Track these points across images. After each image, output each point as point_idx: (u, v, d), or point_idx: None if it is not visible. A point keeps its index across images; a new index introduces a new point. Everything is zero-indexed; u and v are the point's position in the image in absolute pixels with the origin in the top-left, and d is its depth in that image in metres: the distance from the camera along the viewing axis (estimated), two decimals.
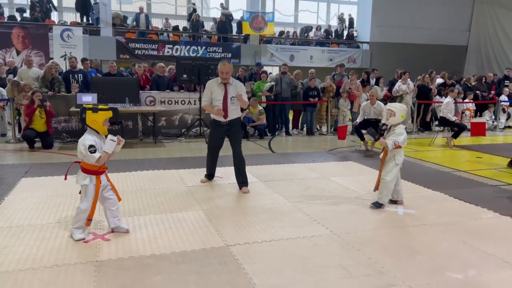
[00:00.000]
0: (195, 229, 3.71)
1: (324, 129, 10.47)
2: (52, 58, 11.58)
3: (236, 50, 16.48)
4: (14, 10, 15.46)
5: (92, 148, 3.26)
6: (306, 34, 18.90)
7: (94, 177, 3.39)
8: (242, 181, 5.06)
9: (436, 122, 11.40)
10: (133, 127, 8.71)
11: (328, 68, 16.26)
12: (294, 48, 17.78)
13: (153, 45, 15.29)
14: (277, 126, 10.17)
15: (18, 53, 12.22)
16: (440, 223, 3.98)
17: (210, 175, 5.39)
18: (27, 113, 7.40)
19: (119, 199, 3.59)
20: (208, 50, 15.86)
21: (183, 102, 9.20)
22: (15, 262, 2.99)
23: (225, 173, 5.67)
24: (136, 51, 15.05)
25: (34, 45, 12.33)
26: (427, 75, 11.13)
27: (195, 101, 9.14)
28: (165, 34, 16.49)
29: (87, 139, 3.32)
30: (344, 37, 19.04)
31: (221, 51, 16.13)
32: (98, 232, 3.59)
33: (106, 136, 3.38)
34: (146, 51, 15.16)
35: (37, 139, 7.57)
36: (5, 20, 14.42)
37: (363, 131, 8.08)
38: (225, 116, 4.92)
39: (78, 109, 7.84)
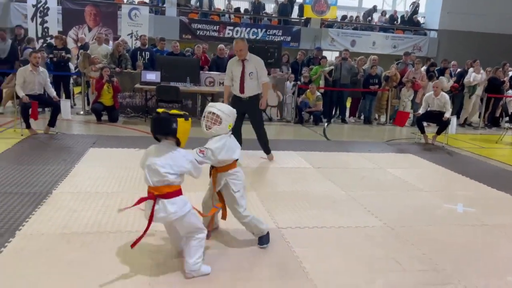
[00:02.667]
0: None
1: (382, 118, 10.16)
2: (120, 36, 12.14)
3: (296, 33, 16.29)
4: None
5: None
6: (369, 18, 18.22)
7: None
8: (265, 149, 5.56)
9: (507, 118, 10.67)
10: (192, 106, 8.96)
11: (392, 55, 15.65)
12: (356, 33, 17.25)
13: (215, 26, 15.52)
14: (333, 112, 10.01)
15: (89, 29, 12.89)
16: (502, 224, 3.78)
17: None
18: (96, 87, 7.88)
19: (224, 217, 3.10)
20: (268, 33, 15.82)
21: None
22: (83, 225, 3.24)
23: (278, 157, 5.71)
24: (198, 32, 15.37)
25: (104, 23, 12.93)
26: (500, 68, 10.37)
27: None
28: (226, 15, 16.64)
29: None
30: (410, 24, 18.15)
31: (280, 34, 16.03)
32: None
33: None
34: (208, 32, 15.44)
35: (103, 112, 8.04)
36: None
37: (424, 123, 7.75)
38: (241, 92, 5.16)
39: (142, 86, 8.21)
